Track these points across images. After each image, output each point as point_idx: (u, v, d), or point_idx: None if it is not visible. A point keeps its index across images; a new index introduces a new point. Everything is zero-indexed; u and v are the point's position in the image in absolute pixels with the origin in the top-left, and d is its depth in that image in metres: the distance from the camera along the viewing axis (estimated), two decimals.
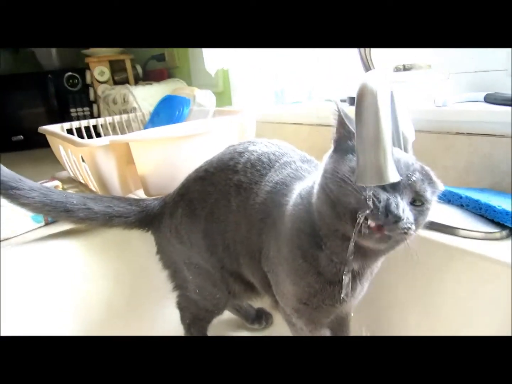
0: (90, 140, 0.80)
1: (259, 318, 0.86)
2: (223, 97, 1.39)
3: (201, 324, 0.76)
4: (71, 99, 1.93)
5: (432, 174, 0.47)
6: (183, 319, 0.76)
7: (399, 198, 0.42)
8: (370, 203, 0.41)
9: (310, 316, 0.56)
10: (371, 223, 0.42)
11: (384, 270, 0.59)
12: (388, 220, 0.41)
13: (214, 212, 0.65)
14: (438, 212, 0.67)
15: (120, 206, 0.73)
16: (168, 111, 1.15)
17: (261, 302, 0.75)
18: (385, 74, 0.39)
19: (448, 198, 0.69)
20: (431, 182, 0.46)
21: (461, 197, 0.66)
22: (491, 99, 0.73)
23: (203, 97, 1.13)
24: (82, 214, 0.71)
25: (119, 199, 0.75)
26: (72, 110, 1.93)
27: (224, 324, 0.83)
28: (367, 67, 0.64)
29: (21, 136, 1.93)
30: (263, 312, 0.87)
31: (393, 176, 0.38)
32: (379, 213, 0.41)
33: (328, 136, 0.49)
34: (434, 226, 0.64)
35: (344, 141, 0.47)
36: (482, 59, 0.81)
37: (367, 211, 0.41)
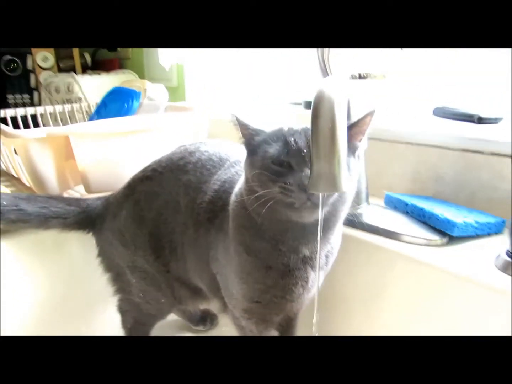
0: (24, 131, 0.73)
1: (204, 320, 0.84)
2: (177, 92, 1.34)
3: (143, 329, 0.72)
4: (9, 84, 1.77)
5: None
6: (124, 323, 0.72)
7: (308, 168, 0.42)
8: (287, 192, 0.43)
9: (261, 315, 0.55)
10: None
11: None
12: (308, 193, 0.42)
13: (161, 214, 0.62)
14: (384, 217, 0.69)
15: (57, 207, 0.67)
16: (116, 104, 1.09)
17: (207, 305, 0.73)
18: (342, 81, 0.39)
19: (395, 205, 0.71)
20: None
21: (406, 205, 0.68)
22: (439, 113, 0.76)
23: (154, 91, 1.08)
24: (13, 216, 0.64)
25: (56, 198, 0.70)
26: (10, 96, 1.77)
27: (166, 325, 0.79)
28: (325, 72, 0.63)
29: None
30: (208, 314, 0.84)
31: (346, 186, 0.38)
32: (297, 192, 0.42)
33: None
34: (379, 231, 0.66)
35: (252, 141, 0.49)
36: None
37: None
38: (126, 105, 1.06)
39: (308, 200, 0.42)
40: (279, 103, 1.13)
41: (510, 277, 0.51)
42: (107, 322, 0.79)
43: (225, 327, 0.84)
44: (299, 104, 1.03)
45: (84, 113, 1.25)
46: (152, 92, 1.08)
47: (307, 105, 0.95)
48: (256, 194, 0.46)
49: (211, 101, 1.26)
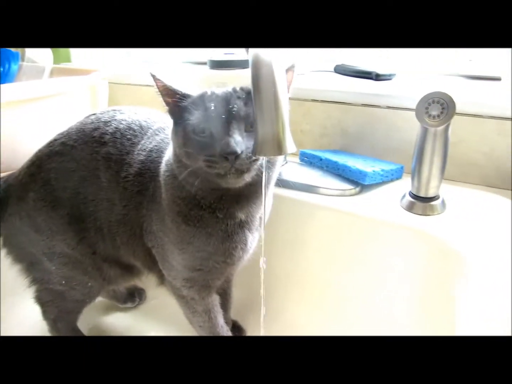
0: None
1: (132, 296, 0.81)
2: (58, 52, 1.18)
3: (69, 317, 0.67)
4: None
5: None
6: (46, 314, 0.66)
7: (232, 135, 0.43)
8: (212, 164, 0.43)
9: (203, 282, 0.55)
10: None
11: None
12: (230, 161, 0.42)
13: (80, 192, 0.57)
14: (301, 173, 0.74)
15: None
16: None
17: (139, 281, 0.71)
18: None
19: (310, 161, 0.75)
20: None
21: (321, 159, 0.73)
22: (340, 70, 0.81)
23: (35, 52, 0.94)
24: None
25: None
26: None
27: (92, 309, 0.74)
28: None
29: None
30: (135, 289, 0.81)
31: (290, 148, 0.39)
32: (220, 162, 0.43)
33: None
34: (298, 186, 0.70)
35: (177, 107, 0.47)
36: None
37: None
38: (1, 69, 0.90)
39: (232, 167, 0.43)
40: (177, 63, 1.08)
41: (414, 215, 0.60)
42: (22, 317, 0.72)
43: (154, 300, 0.83)
44: (203, 63, 1.00)
45: None
46: (33, 53, 0.94)
47: (214, 64, 0.93)
48: (185, 167, 0.46)
49: (101, 62, 1.14)
